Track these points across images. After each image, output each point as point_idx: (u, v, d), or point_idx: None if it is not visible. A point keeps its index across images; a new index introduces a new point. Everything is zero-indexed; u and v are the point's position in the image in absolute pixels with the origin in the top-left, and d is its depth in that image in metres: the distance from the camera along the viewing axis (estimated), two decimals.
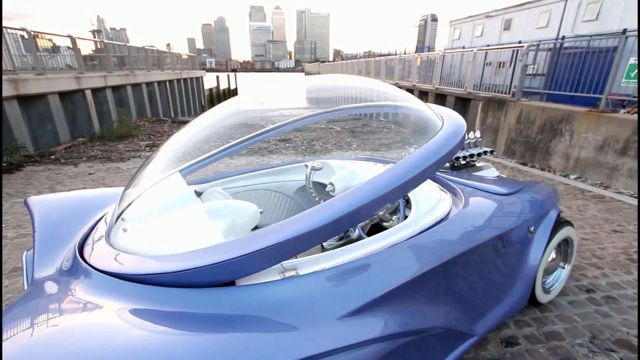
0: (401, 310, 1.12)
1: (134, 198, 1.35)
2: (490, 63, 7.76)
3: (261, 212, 1.56)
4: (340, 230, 1.00)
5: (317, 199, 1.83)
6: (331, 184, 1.83)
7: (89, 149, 7.92)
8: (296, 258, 1.10)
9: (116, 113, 10.54)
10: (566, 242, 2.08)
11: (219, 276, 0.91)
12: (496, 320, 1.60)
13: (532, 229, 1.72)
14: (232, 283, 0.98)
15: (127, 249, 1.09)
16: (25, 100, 7.38)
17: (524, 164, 5.91)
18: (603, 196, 4.07)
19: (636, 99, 4.74)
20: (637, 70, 4.83)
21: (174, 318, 0.83)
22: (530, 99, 6.45)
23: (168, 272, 0.90)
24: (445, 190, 1.70)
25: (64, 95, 8.74)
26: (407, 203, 1.53)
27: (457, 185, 1.75)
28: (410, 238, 1.26)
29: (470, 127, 7.73)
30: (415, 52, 11.16)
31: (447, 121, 1.31)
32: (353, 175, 1.86)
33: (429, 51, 11.22)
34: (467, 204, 1.54)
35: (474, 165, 2.48)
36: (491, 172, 2.43)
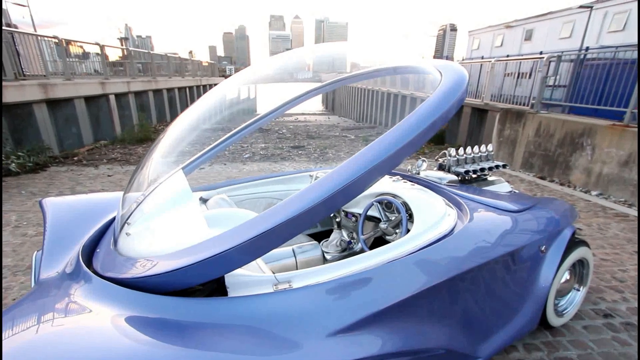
0: (399, 328, 1.09)
1: (136, 200, 1.38)
2: (510, 74, 7.61)
3: None
4: (336, 206, 0.96)
5: None
6: None
7: (110, 152, 8.21)
8: (292, 271, 1.09)
9: (137, 117, 10.91)
10: (581, 263, 1.99)
11: (208, 273, 0.90)
12: (503, 342, 1.53)
13: (543, 248, 1.65)
14: (224, 292, 0.98)
15: (130, 252, 1.11)
16: (53, 104, 7.74)
17: (542, 178, 5.72)
18: (627, 214, 3.88)
19: None
20: (637, 75, 4.66)
21: (164, 327, 0.84)
22: (550, 111, 6.26)
23: (158, 273, 0.90)
24: (450, 204, 1.66)
25: (89, 99, 9.12)
26: (410, 217, 1.50)
27: (464, 200, 1.70)
28: (412, 253, 1.23)
29: (487, 139, 7.56)
30: None
31: (446, 74, 1.22)
32: None
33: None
34: (473, 220, 1.50)
35: (485, 179, 2.41)
36: (503, 187, 2.35)
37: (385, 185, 1.80)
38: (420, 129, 1.01)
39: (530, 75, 6.73)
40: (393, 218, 1.61)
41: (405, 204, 1.59)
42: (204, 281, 0.91)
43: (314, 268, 1.11)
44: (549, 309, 1.80)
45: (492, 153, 2.49)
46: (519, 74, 7.25)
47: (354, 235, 1.89)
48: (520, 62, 7.14)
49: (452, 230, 1.40)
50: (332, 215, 1.85)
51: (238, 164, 7.00)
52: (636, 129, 4.46)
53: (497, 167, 2.37)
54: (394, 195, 1.67)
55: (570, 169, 5.34)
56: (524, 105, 6.56)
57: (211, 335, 0.83)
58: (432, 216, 1.45)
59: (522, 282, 1.61)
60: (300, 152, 8.36)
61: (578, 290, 2.01)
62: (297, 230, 0.91)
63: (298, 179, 2.27)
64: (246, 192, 2.13)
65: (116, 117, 10.34)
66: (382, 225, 1.55)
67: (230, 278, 1.00)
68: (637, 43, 4.33)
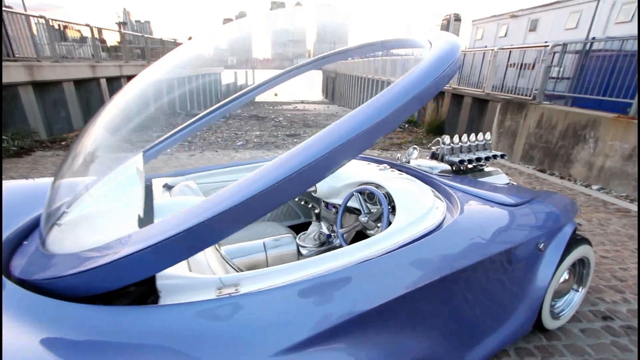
0: (374, 339, 0.94)
1: (76, 184, 1.19)
2: (512, 65, 7.36)
3: None
4: (290, 194, 0.79)
5: (296, 199, 1.65)
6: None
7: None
8: (241, 272, 0.93)
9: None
10: (582, 263, 1.83)
11: (123, 276, 0.73)
12: (493, 347, 1.39)
13: (541, 245, 1.49)
14: (155, 299, 0.82)
15: (53, 248, 0.94)
16: (40, 87, 7.48)
17: (542, 170, 5.55)
18: (628, 210, 3.73)
19: None
20: (637, 71, 4.50)
21: (57, 345, 0.67)
22: (554, 103, 6.05)
23: (64, 275, 0.73)
24: (440, 196, 1.49)
25: (79, 83, 8.86)
26: (394, 210, 1.33)
27: (456, 192, 1.53)
28: (393, 250, 1.07)
29: (487, 130, 7.36)
30: None
31: (436, 43, 1.05)
32: (337, 176, 1.67)
33: None
34: (464, 214, 1.33)
35: (482, 170, 2.24)
36: (501, 179, 2.18)
37: (370, 174, 1.63)
38: (400, 103, 0.83)
39: (533, 66, 6.48)
40: (375, 210, 1.45)
41: (388, 195, 1.42)
42: (119, 286, 0.74)
43: (272, 268, 0.94)
44: (544, 311, 1.65)
45: (490, 142, 2.31)
46: (522, 64, 6.99)
47: (335, 228, 1.72)
48: (525, 51, 6.87)
49: (439, 225, 1.24)
50: (310, 205, 1.69)
51: (230, 151, 6.81)
52: None
53: (494, 157, 2.19)
54: (377, 185, 1.50)
55: (571, 162, 5.16)
56: (525, 96, 6.34)
57: (127, 354, 0.67)
58: (418, 209, 1.28)
59: (517, 283, 1.46)
60: (295, 140, 8.16)
61: (577, 291, 1.87)
62: (239, 223, 0.74)
63: None
64: (217, 180, 1.96)
65: (107, 100, 10.07)
66: (362, 219, 1.39)
67: (162, 280, 0.83)
68: (637, 38, 4.09)
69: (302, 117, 12.79)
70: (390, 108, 0.82)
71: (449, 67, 0.93)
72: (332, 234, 1.70)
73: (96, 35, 10.28)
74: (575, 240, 1.69)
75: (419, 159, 1.98)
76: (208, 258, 1.08)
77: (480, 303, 1.33)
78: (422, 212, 1.27)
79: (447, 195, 1.53)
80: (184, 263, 1.01)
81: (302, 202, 1.66)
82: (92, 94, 9.42)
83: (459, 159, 2.03)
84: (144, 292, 0.83)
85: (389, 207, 1.38)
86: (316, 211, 1.70)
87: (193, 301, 0.79)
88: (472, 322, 1.32)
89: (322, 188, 1.64)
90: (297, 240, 1.69)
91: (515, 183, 2.23)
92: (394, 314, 1.01)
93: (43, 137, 7.34)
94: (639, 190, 3.97)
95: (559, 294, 1.78)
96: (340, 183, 1.65)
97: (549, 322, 1.71)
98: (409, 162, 1.99)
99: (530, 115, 6.04)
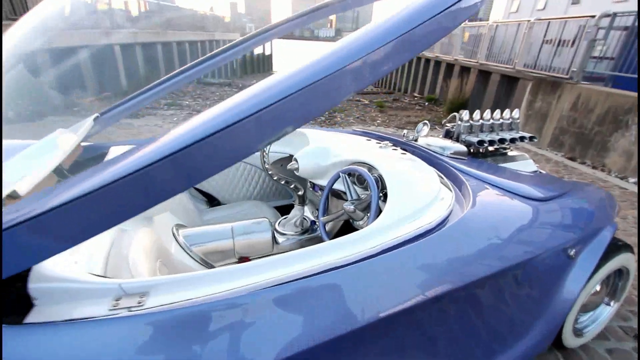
0: None
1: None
2: (549, 41, 6.60)
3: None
4: (189, 180, 0.57)
5: (275, 178, 1.40)
6: (295, 160, 1.39)
7: (112, 103, 7.91)
8: (201, 264, 0.70)
9: (144, 70, 10.49)
10: (619, 273, 1.52)
11: None
12: None
13: (572, 251, 1.19)
14: (25, 309, 0.59)
15: None
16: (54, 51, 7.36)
17: (571, 158, 5.05)
18: None
19: None
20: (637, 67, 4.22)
21: None
22: (593, 84, 5.41)
23: None
24: (448, 184, 1.20)
25: (93, 49, 8.70)
26: (386, 198, 1.06)
27: (470, 180, 1.24)
28: (377, 254, 0.81)
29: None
30: (465, 26, 9.86)
31: None
32: (324, 152, 1.39)
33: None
34: (477, 208, 1.05)
35: (505, 154, 1.90)
36: (527, 166, 1.85)
37: (364, 152, 1.34)
38: (379, 45, 0.54)
39: (573, 42, 5.76)
40: (364, 196, 1.17)
41: (380, 179, 1.14)
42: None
43: (208, 271, 0.71)
44: (566, 327, 1.38)
45: (518, 121, 1.95)
46: (559, 41, 6.25)
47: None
48: (565, 24, 6.11)
49: (444, 222, 0.96)
50: (292, 186, 1.43)
51: None
52: None
53: (522, 139, 1.84)
54: (370, 167, 1.22)
55: (607, 151, 4.64)
56: (563, 74, 5.69)
57: None
58: (416, 199, 1.00)
59: (537, 295, 1.18)
60: None
61: (608, 305, 1.56)
62: (145, 196, 0.50)
63: None
64: None
65: (122, 69, 9.94)
66: (347, 206, 1.12)
67: (38, 283, 0.60)
68: (637, 38, 3.50)
69: None
70: (364, 51, 0.53)
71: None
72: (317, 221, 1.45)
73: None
74: (615, 246, 1.37)
75: (429, 137, 1.67)
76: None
77: (489, 320, 1.06)
78: (423, 204, 0.99)
79: (457, 182, 1.23)
80: (100, 256, 0.79)
81: (283, 182, 1.41)
82: (106, 61, 9.28)
83: (478, 139, 1.70)
84: (11, 298, 0.60)
85: (381, 194, 1.11)
86: (300, 193, 1.44)
87: (75, 319, 0.56)
88: (478, 340, 1.06)
89: (306, 166, 1.37)
90: (276, 225, 1.45)
91: (543, 172, 1.89)
92: (375, 339, 0.76)
93: (56, 102, 7.31)
94: (638, 186, 3.50)
95: (585, 308, 1.49)
96: (326, 161, 1.37)
97: (570, 340, 1.43)
98: (416, 140, 1.68)
99: (565, 96, 5.45)
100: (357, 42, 0.55)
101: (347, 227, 1.36)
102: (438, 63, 10.74)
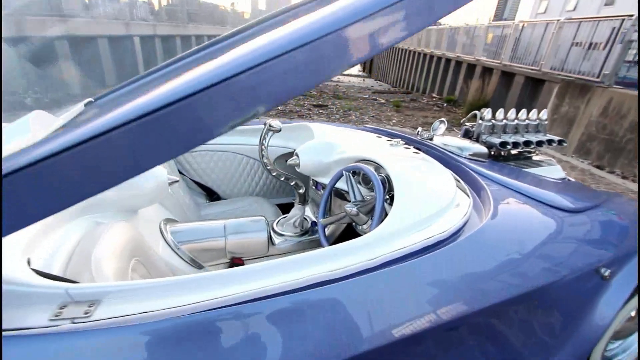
0: None
1: None
2: (578, 43, 6.24)
3: (175, 182, 1.06)
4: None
5: (274, 174, 1.29)
6: (296, 155, 1.28)
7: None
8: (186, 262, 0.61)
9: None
10: None
11: None
12: None
13: (607, 272, 1.04)
14: None
15: None
16: (73, 41, 7.51)
17: (599, 167, 4.75)
18: None
19: None
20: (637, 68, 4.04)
21: None
22: (626, 89, 5.07)
23: None
24: (466, 189, 1.06)
25: (113, 40, 8.85)
26: (392, 200, 0.93)
27: (491, 185, 1.10)
28: (381, 267, 0.69)
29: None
30: (489, 25, 9.49)
31: None
32: (328, 148, 1.28)
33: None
34: (499, 218, 0.91)
35: (529, 158, 1.74)
36: (554, 172, 1.68)
37: (373, 149, 1.22)
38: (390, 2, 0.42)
39: (606, 45, 5.42)
40: (369, 198, 1.05)
41: (387, 180, 1.01)
42: None
43: (172, 279, 0.61)
44: (594, 355, 1.22)
45: (546, 122, 1.78)
46: (591, 43, 5.88)
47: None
48: (598, 23, 5.75)
49: (458, 232, 0.84)
50: (293, 183, 1.32)
51: None
52: None
53: (550, 142, 1.67)
54: (377, 165, 1.09)
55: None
56: (593, 77, 5.36)
57: None
58: (427, 204, 0.88)
59: (565, 320, 1.03)
60: (321, 111, 7.70)
61: None
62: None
63: (249, 131, 1.73)
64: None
65: (140, 60, 10.08)
66: (348, 208, 1.00)
67: None
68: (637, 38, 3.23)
69: (334, 88, 12.16)
70: (362, 13, 0.41)
71: None
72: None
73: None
74: None
75: (445, 136, 1.52)
76: (146, 239, 0.78)
77: (508, 346, 0.93)
78: (435, 210, 0.86)
79: (476, 187, 1.09)
80: (62, 253, 0.70)
81: (282, 179, 1.30)
82: (125, 52, 9.43)
83: (501, 140, 1.55)
84: None
85: (387, 196, 0.98)
86: (301, 191, 1.33)
87: (8, 329, 0.47)
88: None
89: (307, 162, 1.27)
90: (274, 225, 1.35)
91: (572, 179, 1.71)
92: None
93: (76, 91, 7.46)
94: (639, 186, 3.21)
95: (616, 335, 1.32)
96: (330, 157, 1.26)
97: None
98: (431, 139, 1.54)
99: (594, 100, 5.13)
100: (354, 3, 0.43)
101: (350, 231, 1.24)
102: (459, 63, 10.41)
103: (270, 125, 1.19)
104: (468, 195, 1.02)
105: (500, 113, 1.66)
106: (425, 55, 13.14)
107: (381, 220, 0.90)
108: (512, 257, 0.85)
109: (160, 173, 1.01)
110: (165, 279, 0.60)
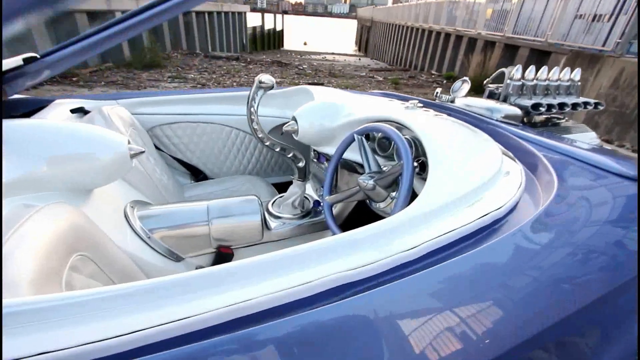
0: None
1: None
2: (582, 15, 5.92)
3: (140, 153, 0.83)
4: None
5: (267, 143, 1.05)
6: (293, 119, 1.04)
7: (113, 74, 7.63)
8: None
9: (148, 41, 10.07)
10: None
11: None
12: None
13: None
14: None
15: None
16: (49, 20, 7.00)
17: (608, 141, 4.55)
18: None
19: None
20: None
21: None
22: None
23: None
24: (511, 155, 0.84)
25: (92, 15, 8.30)
26: (422, 169, 0.71)
27: (543, 152, 0.88)
28: (421, 259, 0.48)
29: None
30: None
31: None
32: (332, 110, 1.05)
33: None
34: (568, 191, 0.69)
35: (558, 124, 1.52)
36: (588, 139, 1.46)
37: (388, 111, 0.98)
38: None
39: (611, 16, 5.13)
40: (386, 169, 0.83)
41: (415, 143, 0.79)
42: None
43: (118, 287, 0.40)
44: None
45: (579, 83, 1.55)
46: (594, 16, 5.55)
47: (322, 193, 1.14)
48: None
49: (514, 207, 0.62)
50: (291, 155, 1.09)
51: None
52: None
53: (585, 104, 1.45)
54: (399, 126, 0.86)
55: None
56: (603, 46, 5.08)
57: None
58: (471, 172, 0.65)
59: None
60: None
61: None
62: None
63: (238, 99, 1.48)
64: (177, 111, 1.39)
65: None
66: (363, 181, 0.78)
67: None
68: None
69: (329, 66, 11.72)
70: None
71: None
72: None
73: None
74: None
75: (469, 97, 1.29)
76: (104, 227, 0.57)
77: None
78: (482, 179, 0.64)
79: (523, 153, 0.87)
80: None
81: (278, 149, 1.07)
82: None
83: (533, 102, 1.32)
84: None
85: (416, 163, 0.76)
86: (300, 164, 1.11)
87: None
88: None
89: (307, 128, 1.03)
90: (269, 206, 1.13)
91: (607, 146, 1.50)
92: None
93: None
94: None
95: None
96: (335, 121, 1.03)
97: None
98: (453, 102, 1.31)
99: (604, 71, 4.88)
100: None
101: (360, 213, 1.03)
102: (459, 38, 10.01)
103: (260, 82, 0.95)
104: (515, 161, 0.80)
105: (530, 72, 1.42)
106: (423, 30, 12.65)
107: (409, 194, 0.68)
108: (599, 240, 0.63)
109: (119, 141, 0.78)
110: (111, 288, 0.38)
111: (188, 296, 0.38)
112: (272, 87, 0.96)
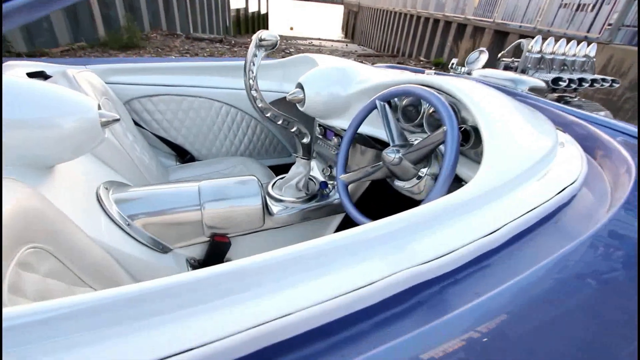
0: None
1: None
2: (566, 5, 5.92)
3: (115, 121, 0.68)
4: None
5: (268, 115, 0.91)
6: (299, 87, 0.90)
7: (87, 55, 7.16)
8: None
9: (125, 19, 9.47)
10: None
11: None
12: None
13: None
14: None
15: None
16: None
17: None
18: None
19: None
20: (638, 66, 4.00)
21: None
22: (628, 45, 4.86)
23: None
24: (560, 129, 0.74)
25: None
26: (467, 139, 0.59)
27: (592, 127, 0.78)
28: (501, 248, 0.36)
29: None
30: None
31: None
32: (344, 75, 0.91)
33: None
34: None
35: (570, 102, 1.44)
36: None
37: (410, 76, 0.86)
38: None
39: (594, 6, 5.15)
40: (415, 140, 0.71)
41: (455, 108, 0.67)
42: None
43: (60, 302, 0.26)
44: None
45: (594, 59, 1.47)
46: (579, 5, 5.56)
47: (334, 171, 1.01)
48: None
49: (584, 181, 0.51)
50: (294, 129, 0.95)
51: None
52: None
53: (603, 82, 1.37)
54: (430, 88, 0.74)
55: (636, 121, 4.20)
56: (592, 32, 5.10)
57: None
58: (531, 140, 0.54)
59: None
60: None
61: None
62: None
63: (230, 69, 1.33)
64: (159, 82, 1.22)
65: (98, 16, 8.93)
66: (389, 154, 0.66)
67: None
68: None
69: (317, 52, 11.44)
70: None
71: None
72: (330, 184, 0.99)
73: None
74: None
75: (486, 69, 1.18)
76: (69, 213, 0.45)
77: None
78: (542, 150, 0.53)
79: (567, 123, 0.77)
80: None
81: (280, 122, 0.92)
82: (79, 6, 8.29)
83: (554, 76, 1.22)
84: None
85: (460, 131, 0.64)
86: (305, 140, 0.97)
87: None
88: None
89: (315, 97, 0.89)
90: (269, 188, 0.99)
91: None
92: None
93: (21, 49, 6.52)
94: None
95: None
96: (349, 88, 0.89)
97: None
98: (469, 74, 1.20)
99: None
100: None
101: (374, 197, 0.91)
102: (448, 24, 9.90)
103: (261, 39, 0.80)
104: (563, 131, 0.70)
105: (548, 44, 1.32)
106: (412, 16, 12.48)
107: (454, 169, 0.56)
108: None
109: (87, 104, 0.62)
110: (72, 300, 0.25)
111: (199, 308, 0.25)
112: (275, 46, 0.81)
